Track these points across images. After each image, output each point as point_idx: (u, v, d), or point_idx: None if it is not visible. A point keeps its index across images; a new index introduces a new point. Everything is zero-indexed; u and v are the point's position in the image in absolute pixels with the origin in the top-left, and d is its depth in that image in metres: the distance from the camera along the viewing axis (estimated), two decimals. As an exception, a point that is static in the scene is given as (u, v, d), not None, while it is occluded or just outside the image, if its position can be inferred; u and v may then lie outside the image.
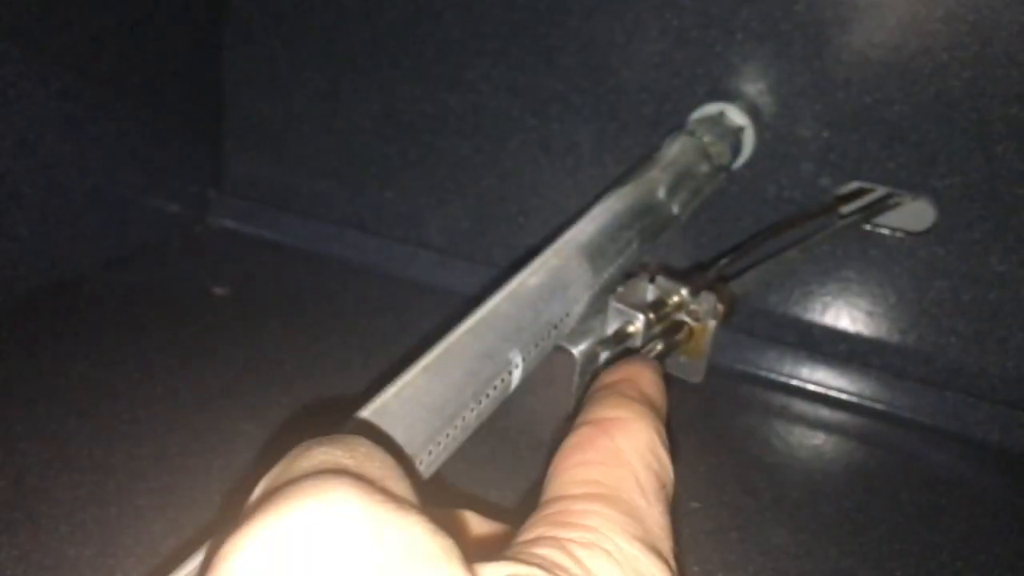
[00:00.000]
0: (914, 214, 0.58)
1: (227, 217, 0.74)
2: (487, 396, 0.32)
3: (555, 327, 0.36)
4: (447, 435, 0.30)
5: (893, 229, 0.58)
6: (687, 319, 0.42)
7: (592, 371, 0.38)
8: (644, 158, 0.54)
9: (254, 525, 0.17)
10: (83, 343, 0.56)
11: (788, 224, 0.58)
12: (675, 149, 0.53)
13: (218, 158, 0.73)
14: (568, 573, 0.21)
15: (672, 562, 0.23)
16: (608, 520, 0.23)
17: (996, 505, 0.53)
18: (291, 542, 0.17)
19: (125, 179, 0.65)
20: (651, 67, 0.60)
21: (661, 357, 0.41)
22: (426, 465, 0.29)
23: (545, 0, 0.61)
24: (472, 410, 0.31)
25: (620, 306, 0.39)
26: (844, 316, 0.61)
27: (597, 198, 0.46)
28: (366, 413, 0.28)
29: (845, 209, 0.59)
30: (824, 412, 0.60)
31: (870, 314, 0.60)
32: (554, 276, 0.37)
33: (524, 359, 0.34)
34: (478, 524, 0.30)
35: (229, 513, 0.43)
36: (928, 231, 0.57)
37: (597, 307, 0.39)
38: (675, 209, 0.50)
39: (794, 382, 0.62)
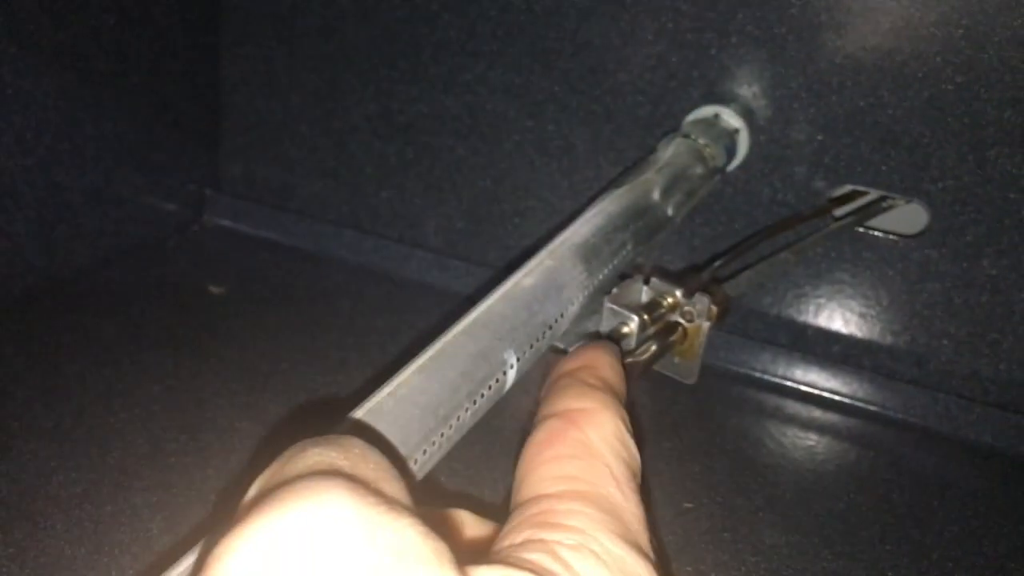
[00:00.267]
0: (907, 217, 0.59)
1: (224, 216, 0.74)
2: (482, 396, 0.32)
3: (550, 328, 0.36)
4: (442, 435, 0.30)
5: (886, 232, 0.59)
6: (681, 320, 0.43)
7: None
8: (639, 160, 0.54)
9: (247, 526, 0.17)
10: (80, 341, 0.56)
11: (782, 226, 0.58)
12: (670, 151, 0.53)
13: (215, 157, 0.74)
14: None
15: (652, 555, 0.24)
16: (591, 520, 0.23)
17: (987, 506, 0.53)
18: (284, 544, 0.17)
19: (122, 178, 0.65)
20: (646, 69, 0.60)
21: (655, 358, 0.41)
22: (420, 465, 0.29)
23: (541, 2, 0.61)
24: (467, 410, 0.31)
25: (615, 307, 0.40)
26: (837, 318, 0.61)
27: (592, 199, 0.46)
28: (361, 413, 0.28)
29: (838, 212, 0.59)
30: (817, 413, 0.60)
31: (863, 316, 0.61)
32: (549, 277, 0.38)
33: (519, 359, 0.34)
34: (473, 524, 0.30)
35: (223, 513, 0.43)
36: (921, 234, 0.58)
37: (592, 308, 0.40)
38: (670, 211, 0.50)
39: (787, 383, 0.62)
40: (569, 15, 0.61)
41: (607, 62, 0.61)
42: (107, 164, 0.63)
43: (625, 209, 0.46)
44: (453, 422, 0.31)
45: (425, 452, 0.29)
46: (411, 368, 0.30)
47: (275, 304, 0.64)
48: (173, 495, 0.45)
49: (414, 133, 0.68)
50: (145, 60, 0.64)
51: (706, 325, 0.42)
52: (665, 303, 0.42)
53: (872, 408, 0.61)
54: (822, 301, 0.61)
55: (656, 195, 0.49)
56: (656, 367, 0.43)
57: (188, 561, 0.23)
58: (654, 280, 0.42)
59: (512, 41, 0.63)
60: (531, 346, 0.35)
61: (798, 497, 0.52)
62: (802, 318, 0.62)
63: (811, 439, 0.57)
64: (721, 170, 0.57)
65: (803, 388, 0.62)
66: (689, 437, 0.56)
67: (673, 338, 0.42)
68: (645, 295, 0.42)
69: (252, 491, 0.21)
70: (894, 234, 0.59)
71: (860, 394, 0.61)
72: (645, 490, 0.27)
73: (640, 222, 0.46)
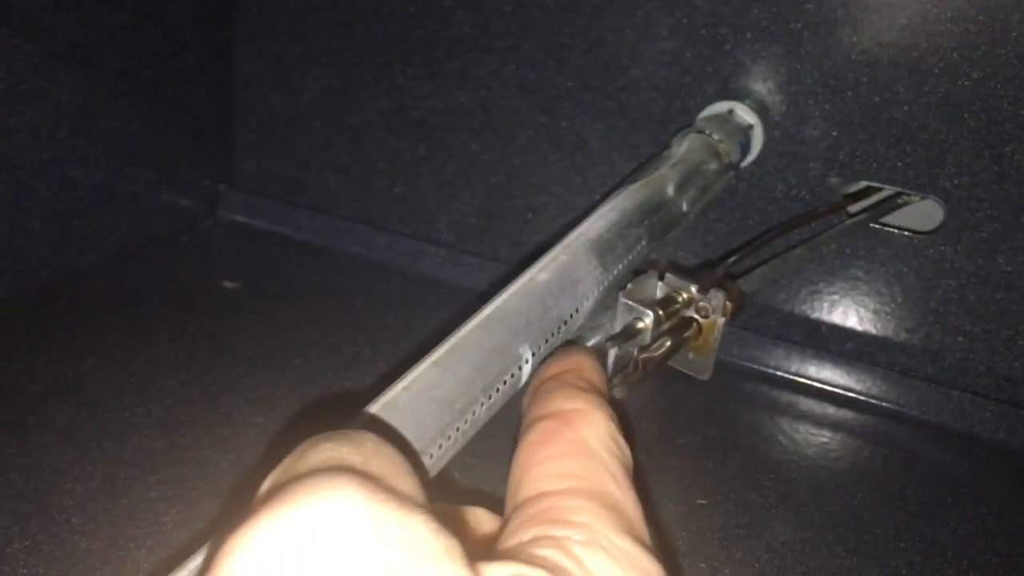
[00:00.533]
0: (922, 213, 0.58)
1: (237, 212, 0.74)
2: (497, 391, 0.32)
3: (565, 323, 0.36)
4: (457, 429, 0.30)
5: (901, 228, 0.58)
6: (696, 316, 0.43)
7: (601, 366, 0.38)
8: (653, 156, 0.54)
9: (258, 522, 0.17)
10: (94, 336, 0.57)
11: (796, 222, 0.58)
12: (684, 147, 0.53)
13: (228, 153, 0.74)
14: (571, 574, 0.21)
15: (654, 549, 0.24)
16: (597, 516, 0.23)
17: (1001, 504, 0.53)
18: (295, 540, 0.17)
19: (136, 174, 0.65)
20: (661, 65, 0.60)
21: (670, 354, 0.41)
22: (436, 459, 0.29)
23: (555, -2, 0.61)
24: (482, 404, 0.31)
25: (629, 302, 0.39)
26: (851, 314, 0.61)
27: (605, 195, 0.46)
28: (376, 407, 0.28)
29: (853, 208, 0.59)
30: (830, 410, 0.60)
31: (877, 312, 0.61)
32: (564, 272, 0.38)
33: (534, 354, 0.34)
34: (488, 521, 0.30)
35: (235, 507, 0.43)
36: (936, 231, 0.58)
37: (606, 303, 0.40)
38: (684, 206, 0.50)
39: (801, 380, 0.62)
40: (583, 11, 0.60)
41: (621, 58, 0.61)
42: (121, 160, 0.63)
43: (640, 205, 0.46)
44: (469, 416, 0.31)
45: (441, 446, 0.29)
46: (427, 362, 0.31)
47: (288, 299, 0.65)
48: (188, 489, 0.45)
49: (427, 129, 0.68)
50: (158, 56, 0.64)
51: (721, 321, 0.42)
52: (680, 299, 0.42)
53: (886, 405, 0.61)
54: (836, 297, 0.61)
55: (671, 191, 0.49)
56: (670, 363, 0.43)
57: (199, 558, 0.23)
58: (669, 276, 0.42)
59: (526, 37, 0.63)
60: (546, 341, 0.35)
61: (811, 494, 0.52)
62: (816, 314, 0.62)
63: (824, 436, 0.57)
64: (735, 166, 0.56)
65: (817, 384, 0.62)
66: (702, 433, 0.56)
67: (688, 334, 0.42)
68: (660, 291, 0.42)
69: (265, 485, 0.21)
70: (909, 231, 0.58)
71: (874, 391, 0.61)
72: (643, 486, 0.27)
73: (655, 218, 0.46)
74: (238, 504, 0.44)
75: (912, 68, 0.54)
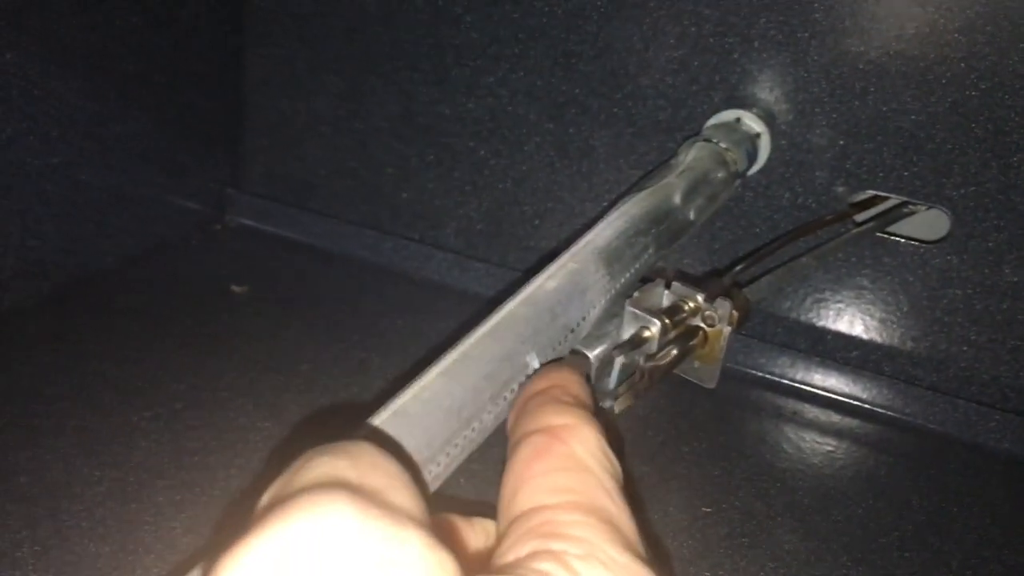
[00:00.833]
0: (928, 223, 0.58)
1: (246, 216, 0.74)
2: (504, 399, 0.32)
3: (572, 331, 0.37)
4: (465, 437, 0.30)
5: (907, 238, 0.58)
6: (702, 324, 0.43)
7: (607, 374, 0.38)
8: (660, 164, 0.54)
9: (251, 541, 0.18)
10: (104, 340, 0.57)
11: (803, 231, 0.58)
12: (691, 155, 0.54)
13: (238, 157, 0.74)
14: None
15: (650, 563, 0.24)
16: (594, 530, 0.23)
17: (1006, 513, 0.53)
18: (286, 559, 0.17)
19: (146, 178, 0.65)
20: (668, 73, 0.60)
21: (676, 362, 0.41)
22: (444, 467, 0.30)
23: (563, 6, 0.61)
24: (490, 412, 0.32)
25: (636, 311, 0.40)
26: (857, 323, 0.61)
27: (612, 202, 0.46)
28: (385, 415, 0.28)
29: (860, 217, 0.59)
30: (835, 418, 0.60)
31: (883, 321, 0.61)
32: (571, 280, 0.38)
33: (541, 362, 0.34)
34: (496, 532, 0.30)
35: (235, 519, 0.44)
36: (942, 240, 0.58)
37: (613, 312, 0.40)
38: (691, 215, 0.50)
39: (806, 388, 0.62)
40: (591, 19, 0.61)
41: (629, 66, 0.61)
42: (131, 164, 0.63)
43: (647, 213, 0.46)
44: (476, 424, 0.31)
45: (448, 454, 0.30)
46: (435, 371, 0.31)
47: (296, 303, 0.65)
48: (196, 494, 0.46)
49: (435, 135, 0.68)
50: (169, 62, 0.65)
51: (727, 330, 0.42)
52: (687, 307, 0.42)
53: (891, 414, 0.61)
54: (842, 306, 0.61)
55: (678, 199, 0.49)
56: (676, 371, 0.43)
57: (196, 574, 0.23)
58: (676, 284, 0.42)
59: (534, 44, 0.63)
60: (553, 349, 0.35)
61: (816, 502, 0.52)
62: (822, 323, 0.62)
63: (830, 444, 0.57)
64: (742, 174, 0.57)
65: (822, 393, 0.62)
66: (708, 441, 0.56)
67: (694, 342, 0.42)
68: (667, 299, 0.42)
69: (263, 500, 0.21)
70: (915, 240, 0.58)
71: (879, 399, 0.61)
72: (648, 494, 0.27)
73: (662, 226, 0.46)
74: (239, 514, 0.44)
75: (919, 78, 0.54)
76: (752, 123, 0.57)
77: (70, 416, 0.50)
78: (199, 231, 0.72)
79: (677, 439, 0.55)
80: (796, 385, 0.62)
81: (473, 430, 0.31)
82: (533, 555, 0.22)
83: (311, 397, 0.54)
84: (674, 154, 0.55)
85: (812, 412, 0.60)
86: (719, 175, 0.54)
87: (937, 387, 0.60)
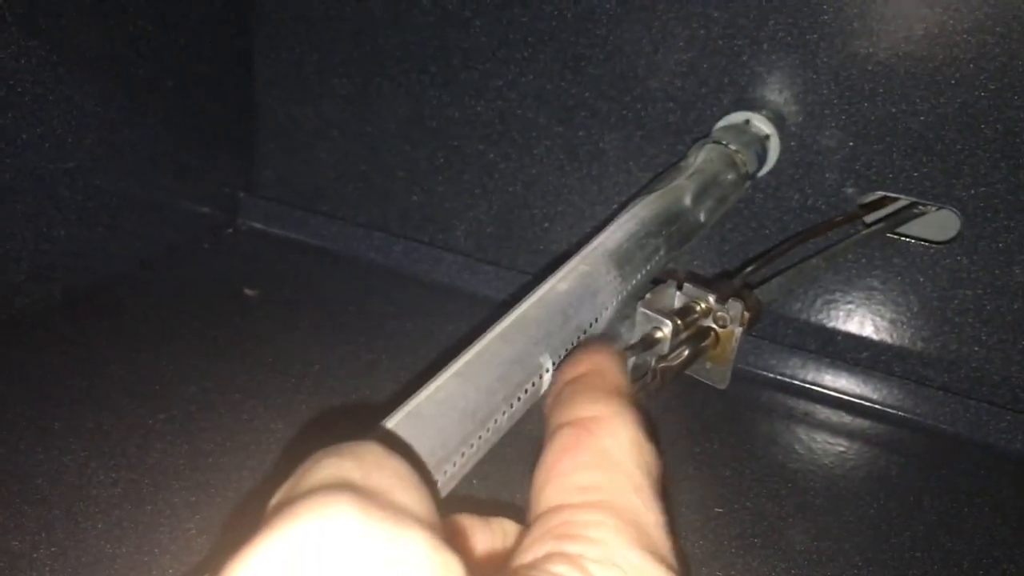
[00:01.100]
0: (938, 224, 0.58)
1: (257, 219, 0.75)
2: (518, 400, 0.32)
3: (584, 332, 0.37)
4: (479, 438, 0.31)
5: (917, 238, 0.59)
6: (713, 325, 0.43)
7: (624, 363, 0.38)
8: (670, 166, 0.54)
9: (257, 545, 0.18)
10: (118, 343, 0.57)
11: (813, 232, 0.58)
12: (701, 157, 0.54)
13: (249, 161, 0.75)
14: None
15: (674, 563, 0.24)
16: (614, 531, 0.23)
17: (1017, 513, 0.53)
18: (291, 563, 0.18)
19: (159, 182, 0.66)
20: (677, 76, 0.60)
21: (688, 363, 0.41)
22: (458, 467, 0.30)
23: (573, 9, 0.61)
24: (504, 414, 0.32)
25: (648, 312, 0.40)
26: (867, 324, 0.61)
27: (622, 205, 0.46)
28: (400, 416, 0.29)
29: (869, 218, 0.59)
30: (847, 419, 0.60)
31: (893, 322, 0.61)
32: (583, 282, 0.38)
33: (554, 364, 0.34)
34: (514, 532, 0.30)
35: (245, 521, 0.44)
36: (952, 241, 0.58)
37: (625, 313, 0.40)
38: (701, 216, 0.50)
39: (817, 389, 0.62)
40: (600, 22, 0.61)
41: (638, 68, 0.61)
42: (143, 169, 0.64)
43: (658, 215, 0.46)
44: (491, 425, 0.31)
45: (463, 454, 0.30)
46: (449, 372, 0.31)
47: (307, 306, 0.65)
48: (210, 495, 0.46)
49: (445, 138, 0.68)
50: (180, 66, 0.65)
51: (738, 330, 0.43)
52: (698, 308, 0.42)
53: (902, 414, 0.61)
54: (852, 307, 0.61)
55: (688, 201, 0.50)
56: (688, 372, 0.43)
57: None
58: (687, 286, 0.42)
59: (543, 47, 0.63)
60: (566, 350, 0.35)
61: (828, 503, 0.52)
62: (832, 324, 0.62)
63: (841, 445, 0.57)
64: (752, 176, 0.57)
65: (833, 394, 0.62)
66: (719, 442, 0.56)
67: (705, 343, 0.43)
68: (678, 300, 0.43)
69: (273, 502, 0.21)
70: (925, 241, 0.58)
71: (890, 400, 0.61)
72: (667, 494, 0.27)
73: (673, 227, 0.46)
74: (250, 516, 0.44)
75: (928, 79, 0.54)
76: (761, 125, 0.58)
77: (85, 419, 0.50)
78: (211, 235, 0.73)
79: (689, 440, 0.55)
80: (807, 386, 0.62)
81: (487, 431, 0.31)
82: (549, 557, 0.22)
83: (322, 399, 0.55)
84: (684, 156, 0.56)
85: (823, 413, 0.61)
86: (729, 177, 0.54)
87: (948, 387, 0.60)
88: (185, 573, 0.42)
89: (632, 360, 0.39)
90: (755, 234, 0.62)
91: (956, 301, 0.59)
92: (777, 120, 0.58)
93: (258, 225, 0.75)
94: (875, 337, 0.61)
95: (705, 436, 0.56)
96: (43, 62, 0.54)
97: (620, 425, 0.27)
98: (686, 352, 0.41)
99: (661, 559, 0.23)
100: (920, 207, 0.58)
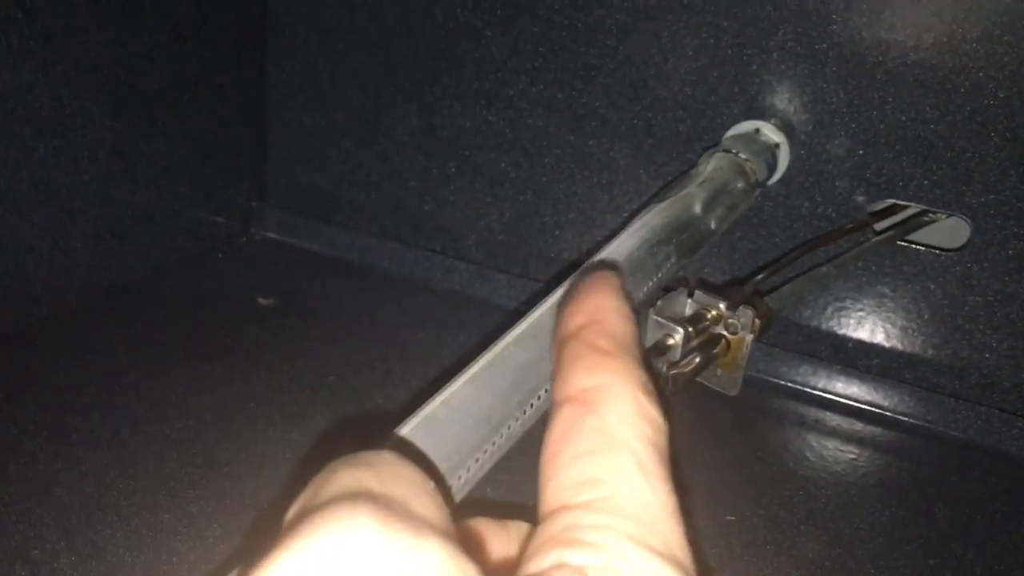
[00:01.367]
0: (948, 231, 0.59)
1: (271, 229, 0.75)
2: (531, 406, 0.33)
3: (596, 340, 0.37)
4: (493, 443, 0.31)
5: (927, 246, 0.59)
6: (724, 332, 0.43)
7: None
8: (681, 174, 0.55)
9: (276, 558, 0.18)
10: (134, 353, 0.58)
11: (823, 240, 0.58)
12: (711, 165, 0.54)
13: (262, 172, 0.75)
14: None
15: (684, 556, 0.23)
16: (617, 533, 0.22)
17: (1031, 521, 0.53)
18: (310, 575, 0.18)
19: (173, 193, 0.66)
20: (687, 85, 0.61)
21: (699, 370, 0.42)
22: (473, 472, 0.30)
23: (583, 19, 0.62)
24: (517, 419, 0.32)
25: (659, 319, 0.40)
26: (878, 331, 0.61)
27: (633, 213, 0.46)
28: (415, 421, 0.29)
29: (879, 226, 0.59)
30: (858, 426, 0.60)
31: (904, 329, 0.61)
32: (595, 290, 0.38)
33: (567, 372, 0.34)
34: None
35: (260, 537, 0.44)
36: (962, 248, 0.58)
37: (637, 320, 0.40)
38: (712, 224, 0.51)
39: (828, 396, 0.62)
40: (610, 32, 0.61)
41: (648, 78, 0.62)
42: (159, 179, 0.65)
43: (668, 223, 0.46)
44: (504, 431, 0.31)
45: (478, 460, 0.30)
46: (463, 378, 0.31)
47: (321, 315, 0.66)
48: (228, 504, 0.46)
49: (456, 147, 0.69)
50: (194, 78, 0.66)
51: (749, 337, 0.43)
52: (709, 315, 0.43)
53: (913, 421, 0.61)
54: (863, 314, 0.61)
55: (698, 209, 0.50)
56: (699, 378, 0.44)
57: None
58: (698, 293, 0.43)
59: (554, 57, 0.64)
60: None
61: (839, 510, 0.52)
62: (843, 331, 0.62)
63: (852, 452, 0.58)
64: (762, 184, 0.57)
65: (844, 401, 0.62)
66: (731, 449, 0.56)
67: (716, 350, 0.43)
68: (689, 308, 0.43)
69: (291, 514, 0.21)
70: (936, 248, 0.59)
71: (901, 407, 0.61)
72: (675, 468, 0.25)
73: (683, 235, 0.47)
74: (268, 527, 0.45)
75: (938, 87, 0.55)
76: (771, 133, 0.58)
77: (102, 428, 0.51)
78: (225, 245, 0.73)
79: (699, 447, 0.55)
80: (818, 393, 0.63)
81: (501, 436, 0.31)
82: (554, 568, 0.22)
83: (336, 407, 0.55)
84: (694, 165, 0.56)
85: (834, 420, 0.61)
86: (739, 185, 0.54)
87: (959, 394, 0.60)
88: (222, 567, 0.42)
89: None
90: (765, 242, 0.62)
91: (967, 308, 0.59)
92: (787, 128, 0.58)
93: (271, 235, 0.75)
94: (886, 344, 0.61)
95: (716, 443, 0.56)
96: (60, 76, 0.55)
97: (622, 394, 0.25)
98: (697, 359, 0.41)
99: (670, 557, 0.22)
100: (930, 215, 0.58)
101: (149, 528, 0.44)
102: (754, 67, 0.59)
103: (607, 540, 0.22)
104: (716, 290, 0.44)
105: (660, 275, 0.43)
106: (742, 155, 0.55)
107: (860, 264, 0.60)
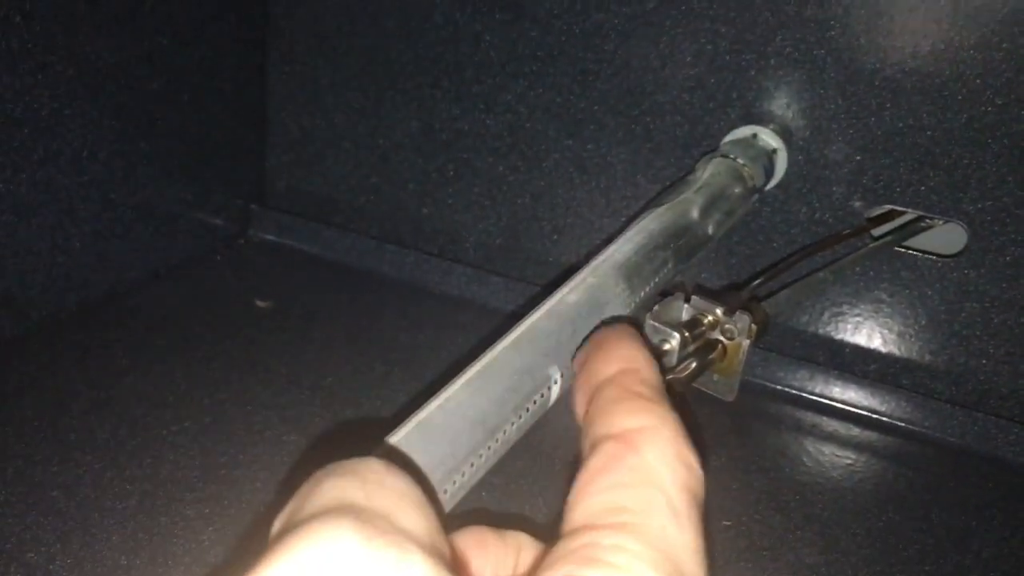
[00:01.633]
0: (945, 237, 0.59)
1: (269, 231, 0.76)
2: (527, 410, 0.33)
3: (593, 345, 0.37)
4: (489, 448, 0.31)
5: (924, 252, 0.59)
6: (721, 338, 0.43)
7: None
8: (678, 179, 0.55)
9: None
10: (132, 355, 0.58)
11: (820, 245, 0.58)
12: (709, 171, 0.54)
13: (261, 174, 0.75)
14: None
15: None
16: (637, 557, 0.22)
17: (1026, 527, 0.53)
18: None
19: (172, 194, 0.67)
20: (685, 90, 0.61)
21: (695, 375, 0.42)
22: (468, 477, 0.30)
23: (582, 24, 0.62)
24: (513, 424, 0.32)
25: (656, 324, 0.40)
26: (875, 336, 0.62)
27: (630, 218, 0.46)
28: (411, 425, 0.29)
29: (877, 231, 0.59)
30: (855, 431, 0.60)
31: (901, 335, 0.61)
32: (592, 294, 0.38)
33: (563, 375, 0.35)
34: (529, 545, 0.30)
35: (245, 551, 0.44)
36: (959, 254, 0.58)
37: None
38: (709, 229, 0.51)
39: (825, 401, 0.62)
40: (609, 37, 0.61)
41: (646, 83, 0.62)
42: (158, 181, 0.65)
43: (666, 228, 0.46)
44: (500, 436, 0.31)
45: (472, 464, 0.30)
46: (459, 382, 0.31)
47: (319, 318, 0.66)
48: (224, 507, 0.46)
49: (455, 151, 0.69)
50: (194, 80, 0.66)
51: (746, 343, 0.43)
52: (706, 320, 0.43)
53: (910, 427, 0.61)
54: (860, 320, 0.61)
55: (696, 214, 0.50)
56: (695, 384, 0.44)
57: None
58: (695, 298, 0.43)
59: (552, 62, 0.64)
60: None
61: (836, 516, 0.52)
62: (840, 336, 0.62)
63: (849, 457, 0.58)
64: (759, 190, 0.57)
65: (841, 406, 0.62)
66: (727, 454, 0.56)
67: (713, 355, 0.43)
68: (686, 313, 0.43)
69: (275, 527, 0.21)
70: (933, 254, 0.59)
71: (898, 413, 0.61)
72: (708, 523, 0.25)
73: (681, 241, 0.47)
74: (253, 540, 0.45)
75: (935, 94, 0.55)
76: (769, 139, 0.58)
77: (99, 430, 0.51)
78: (223, 246, 0.73)
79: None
80: (815, 398, 0.63)
81: (497, 441, 0.31)
82: None
83: (334, 410, 0.55)
84: (692, 170, 0.56)
85: (831, 425, 0.61)
86: (736, 190, 0.54)
87: (956, 400, 0.61)
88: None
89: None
90: (763, 247, 0.62)
91: (963, 314, 0.59)
92: (784, 134, 0.58)
93: (270, 237, 0.75)
94: (883, 350, 0.62)
95: (712, 449, 0.56)
96: (59, 77, 0.55)
97: (665, 439, 0.25)
98: (694, 364, 0.41)
99: None
100: (927, 221, 0.58)
101: (146, 531, 0.44)
102: (752, 73, 0.59)
103: (626, 563, 0.21)
104: (713, 295, 0.44)
105: (657, 280, 0.44)
106: (740, 160, 0.55)
107: (857, 270, 0.60)
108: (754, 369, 0.63)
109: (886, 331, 0.61)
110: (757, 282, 0.54)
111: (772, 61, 0.58)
